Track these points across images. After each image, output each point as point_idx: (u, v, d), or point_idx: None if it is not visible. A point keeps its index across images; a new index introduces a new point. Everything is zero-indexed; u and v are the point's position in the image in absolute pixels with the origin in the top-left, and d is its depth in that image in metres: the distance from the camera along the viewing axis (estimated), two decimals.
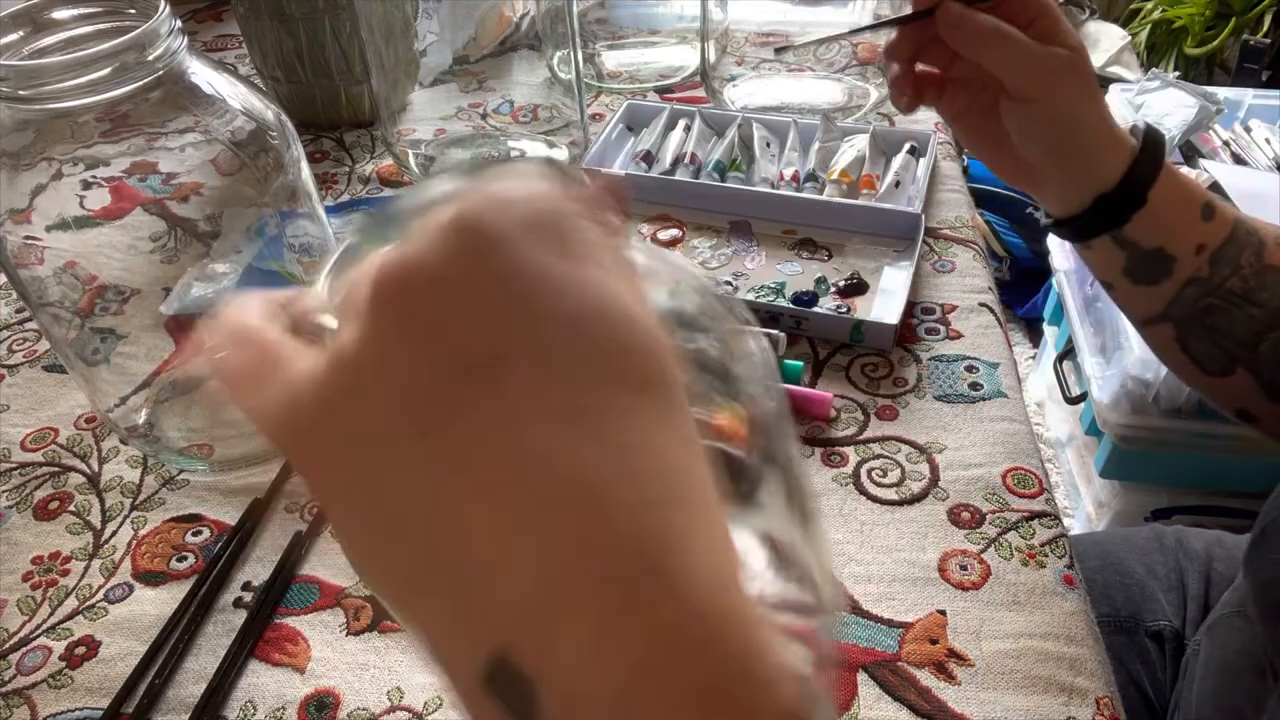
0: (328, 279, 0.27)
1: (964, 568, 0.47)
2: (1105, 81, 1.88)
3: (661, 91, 0.88)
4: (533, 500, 0.17)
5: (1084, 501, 1.33)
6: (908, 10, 0.49)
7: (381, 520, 0.19)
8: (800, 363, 0.58)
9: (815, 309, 0.61)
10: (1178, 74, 1.69)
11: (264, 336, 0.22)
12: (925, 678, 0.43)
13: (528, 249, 0.19)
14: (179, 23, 0.44)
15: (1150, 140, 0.48)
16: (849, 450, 0.54)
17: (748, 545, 0.34)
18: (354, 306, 0.20)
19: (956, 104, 0.52)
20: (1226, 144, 1.40)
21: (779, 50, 0.80)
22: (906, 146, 0.74)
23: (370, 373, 0.19)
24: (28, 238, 0.45)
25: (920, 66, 0.52)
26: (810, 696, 0.18)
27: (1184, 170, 1.37)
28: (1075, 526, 1.33)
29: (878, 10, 0.83)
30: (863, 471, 0.52)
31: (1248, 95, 1.45)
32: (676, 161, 0.75)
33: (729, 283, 0.65)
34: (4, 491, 0.54)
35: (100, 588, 0.48)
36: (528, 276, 0.18)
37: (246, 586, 0.48)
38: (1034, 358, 1.63)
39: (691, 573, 0.17)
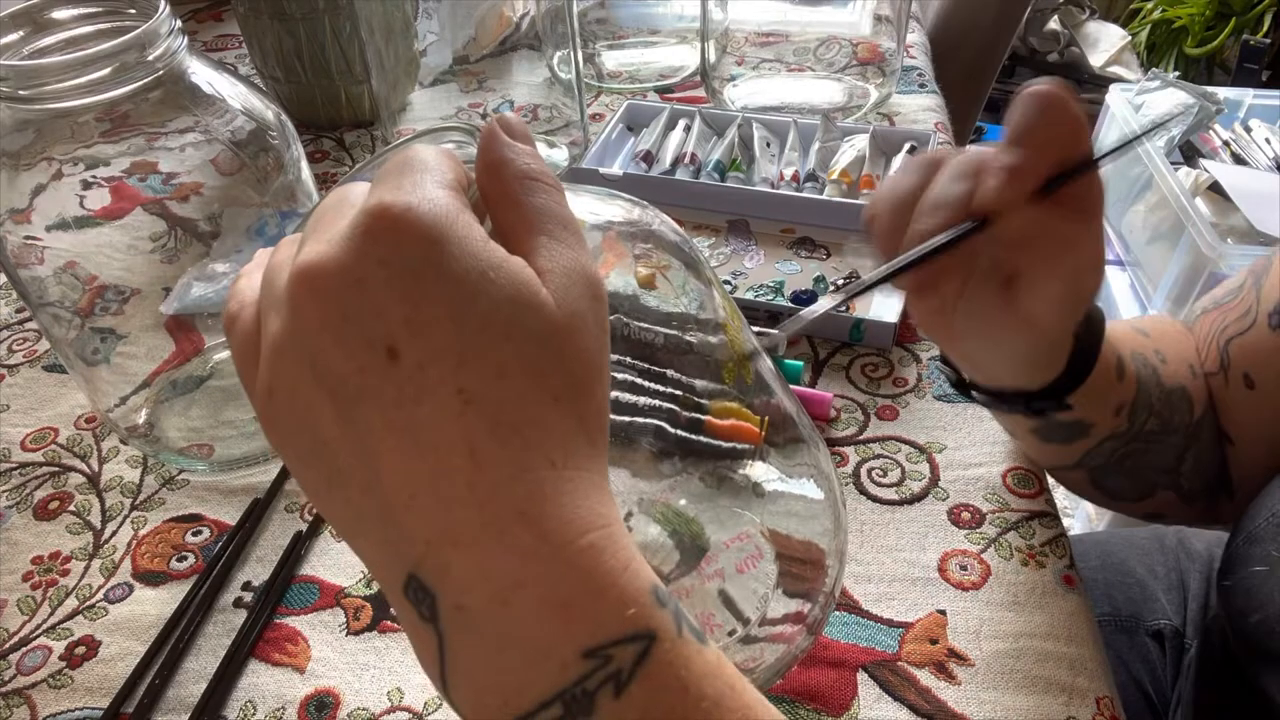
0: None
1: (964, 568, 0.47)
2: (1105, 81, 1.89)
3: (661, 91, 0.88)
4: (428, 463, 0.21)
5: (1084, 501, 1.32)
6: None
7: (324, 476, 0.23)
8: (800, 362, 0.58)
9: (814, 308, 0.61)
10: (1178, 74, 1.69)
11: (245, 318, 0.25)
12: (925, 678, 0.43)
13: (422, 251, 0.22)
14: (179, 23, 0.44)
15: (1092, 332, 0.42)
16: (849, 450, 0.54)
17: (762, 548, 0.34)
18: (275, 297, 0.23)
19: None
20: (1226, 144, 1.40)
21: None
22: (907, 146, 0.74)
23: (292, 359, 0.22)
24: (28, 238, 0.45)
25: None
26: (658, 615, 0.22)
27: (1182, 170, 1.37)
28: (1075, 526, 1.33)
29: (877, 10, 0.83)
30: (863, 471, 0.52)
31: (1248, 95, 1.45)
32: (676, 161, 0.75)
33: (728, 281, 0.65)
34: (4, 491, 0.54)
35: (100, 588, 0.48)
36: (421, 277, 0.21)
37: (246, 586, 0.48)
38: None
39: (555, 520, 0.22)
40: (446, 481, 0.21)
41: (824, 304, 0.35)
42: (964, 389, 0.46)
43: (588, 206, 0.32)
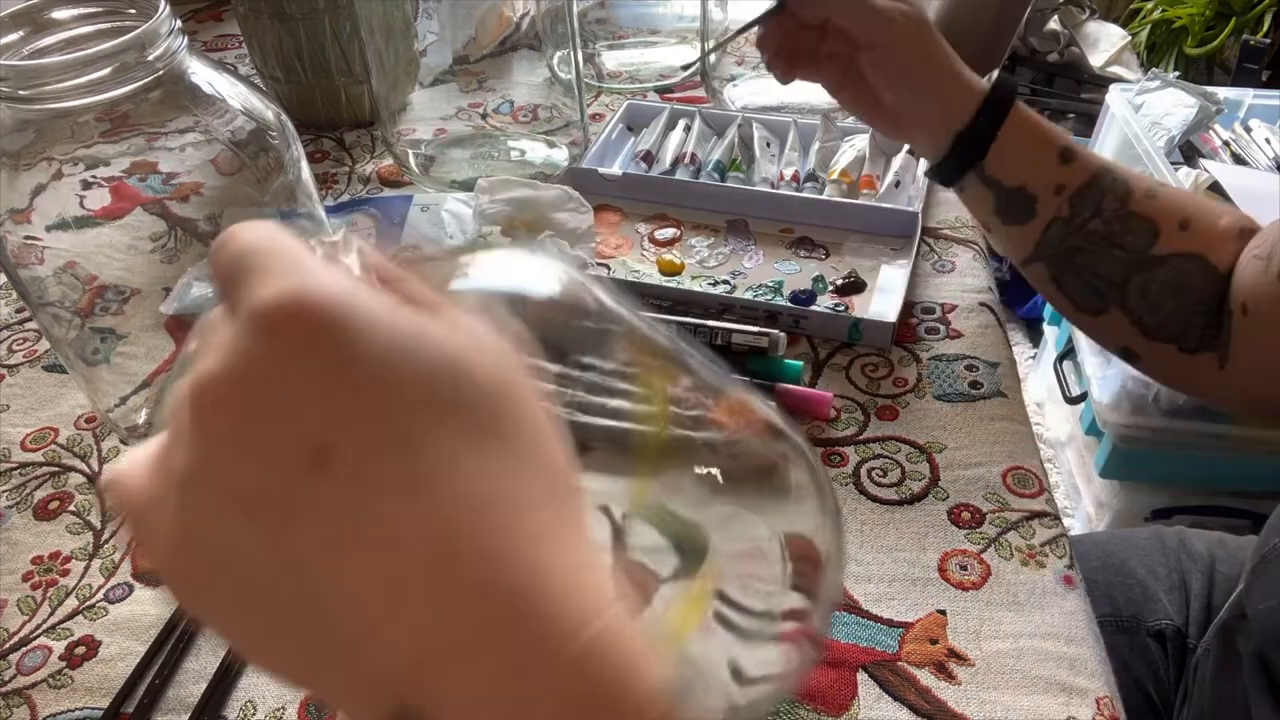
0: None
1: (964, 568, 0.47)
2: (1105, 81, 1.89)
3: (661, 91, 0.88)
4: (391, 571, 0.18)
5: (1084, 501, 1.33)
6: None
7: (262, 626, 0.20)
8: (800, 363, 0.58)
9: (813, 308, 0.61)
10: (1178, 74, 1.69)
11: (127, 486, 0.22)
12: (925, 678, 0.43)
13: (331, 334, 0.18)
14: (179, 23, 0.44)
15: (1000, 84, 0.54)
16: (849, 450, 0.54)
17: (767, 551, 0.34)
18: (178, 426, 0.20)
19: (832, 76, 0.58)
20: (1226, 144, 1.40)
21: (705, 55, 0.86)
22: (906, 146, 0.74)
23: (207, 490, 0.19)
24: (28, 238, 0.45)
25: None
26: (680, 708, 0.19)
27: (1182, 170, 1.37)
28: (1075, 526, 1.33)
29: None
30: (863, 471, 0.52)
31: (1248, 95, 1.45)
32: (676, 161, 0.75)
33: (726, 281, 0.65)
34: (4, 491, 0.54)
35: (100, 588, 0.48)
36: (336, 362, 0.18)
37: None
38: (1034, 358, 1.62)
39: (555, 608, 0.18)
40: (418, 590, 0.18)
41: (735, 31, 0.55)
42: (932, 174, 0.57)
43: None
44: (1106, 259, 0.52)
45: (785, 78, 0.59)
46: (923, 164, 0.59)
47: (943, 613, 0.45)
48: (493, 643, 0.18)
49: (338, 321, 0.18)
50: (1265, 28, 1.95)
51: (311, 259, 0.20)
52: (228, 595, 0.20)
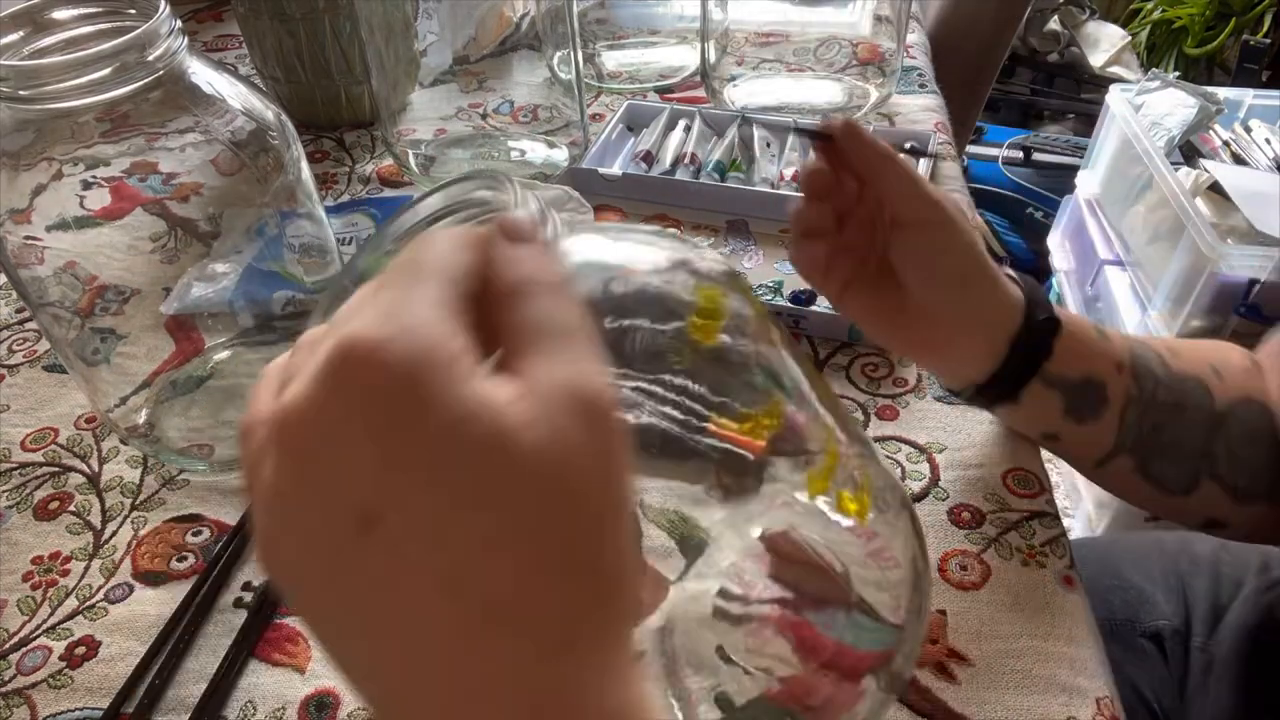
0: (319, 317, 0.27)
1: (964, 568, 0.47)
2: (1105, 81, 1.89)
3: (661, 91, 0.88)
4: (419, 659, 0.18)
5: (1084, 501, 1.33)
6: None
7: (326, 630, 0.21)
8: None
9: (813, 308, 0.61)
10: (1178, 74, 1.69)
11: (258, 437, 0.22)
12: (925, 678, 0.43)
13: (393, 399, 0.18)
14: (179, 23, 0.44)
15: (1031, 291, 0.45)
16: None
17: (750, 547, 0.34)
18: (269, 436, 0.20)
19: (841, 275, 0.45)
20: (1226, 144, 1.40)
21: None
22: (907, 146, 0.74)
23: (278, 516, 0.20)
24: (28, 238, 0.45)
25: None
26: None
27: (1182, 170, 1.37)
28: (1076, 527, 1.33)
29: (877, 10, 0.83)
30: None
31: (1248, 95, 1.45)
32: (676, 162, 0.75)
33: None
34: (4, 491, 0.54)
35: (100, 588, 0.48)
36: (392, 432, 0.18)
37: (246, 586, 0.48)
38: None
39: None
40: (435, 683, 0.18)
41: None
42: (985, 392, 0.47)
43: (626, 252, 0.32)
44: (1188, 428, 0.46)
45: (800, 258, 0.46)
46: (936, 286, 0.44)
47: (943, 613, 0.45)
48: None
49: (405, 385, 0.18)
50: (1265, 28, 1.95)
51: (427, 299, 0.19)
52: (300, 599, 0.21)
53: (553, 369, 0.20)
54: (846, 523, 0.35)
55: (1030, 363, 0.45)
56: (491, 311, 0.21)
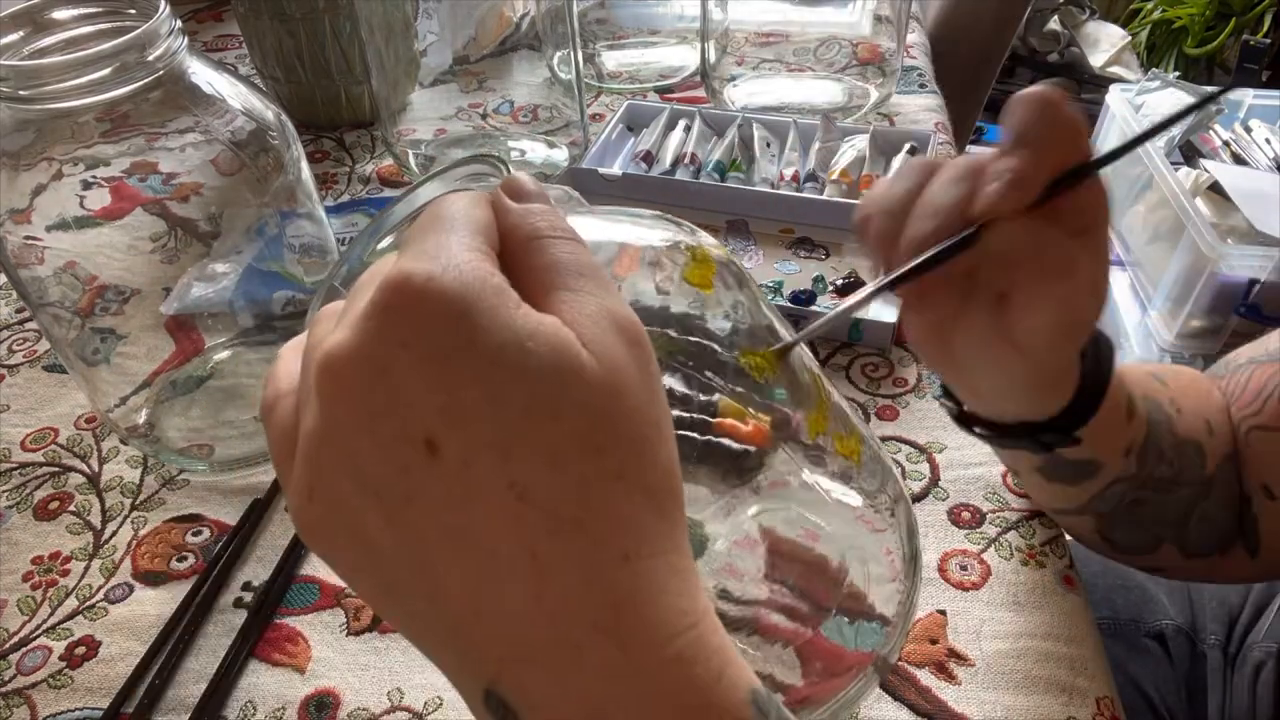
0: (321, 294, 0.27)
1: (964, 568, 0.47)
2: (1105, 81, 1.89)
3: (661, 91, 0.88)
4: (488, 572, 0.19)
5: None
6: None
7: (381, 586, 0.21)
8: None
9: (813, 308, 0.61)
10: (1178, 74, 1.69)
11: (281, 409, 0.23)
12: (925, 678, 0.43)
13: (449, 327, 0.19)
14: (179, 23, 0.44)
15: (1104, 344, 0.40)
16: None
17: (751, 541, 0.34)
18: (307, 388, 0.21)
19: (947, 307, 0.35)
20: (1226, 144, 1.40)
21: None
22: (907, 146, 0.74)
23: (329, 460, 0.20)
24: (28, 238, 0.45)
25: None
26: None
27: (1182, 170, 1.37)
28: None
29: (877, 10, 0.83)
30: None
31: (1248, 95, 1.45)
32: (676, 162, 0.75)
33: None
34: (4, 491, 0.54)
35: (100, 588, 0.48)
36: (451, 358, 0.19)
37: (246, 586, 0.48)
38: None
39: (636, 628, 0.19)
40: (512, 593, 0.19)
41: (833, 314, 0.36)
42: (965, 423, 0.42)
43: (628, 232, 0.32)
44: (1171, 503, 0.44)
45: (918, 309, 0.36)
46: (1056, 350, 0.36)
47: (943, 613, 0.45)
48: (581, 649, 0.19)
49: (459, 313, 0.19)
50: (1265, 28, 1.95)
51: (463, 242, 0.20)
52: (350, 553, 0.21)
53: (585, 301, 0.21)
54: (839, 491, 0.35)
55: (1065, 431, 0.40)
56: (507, 265, 0.22)
